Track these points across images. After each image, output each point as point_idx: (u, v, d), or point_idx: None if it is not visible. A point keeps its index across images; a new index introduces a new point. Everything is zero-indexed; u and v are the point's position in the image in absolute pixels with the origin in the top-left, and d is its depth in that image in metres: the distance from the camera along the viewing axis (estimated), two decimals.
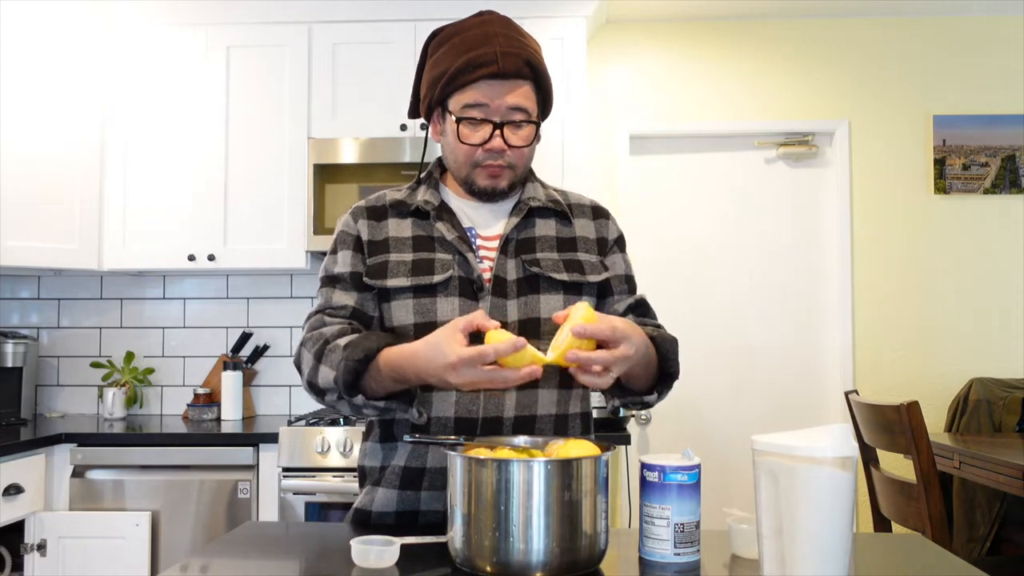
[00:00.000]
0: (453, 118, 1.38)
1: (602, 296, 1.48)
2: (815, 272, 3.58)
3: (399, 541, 1.16)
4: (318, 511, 2.73)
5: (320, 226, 3.03)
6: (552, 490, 1.06)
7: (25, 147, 3.01)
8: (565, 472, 1.07)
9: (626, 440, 2.79)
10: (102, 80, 3.22)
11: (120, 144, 3.20)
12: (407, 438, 1.28)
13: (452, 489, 1.11)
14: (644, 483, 1.17)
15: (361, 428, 2.76)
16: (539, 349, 1.19)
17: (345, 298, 1.40)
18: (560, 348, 1.14)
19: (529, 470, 1.06)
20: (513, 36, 1.38)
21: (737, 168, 3.61)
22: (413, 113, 1.53)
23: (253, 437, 2.80)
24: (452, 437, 1.21)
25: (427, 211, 1.43)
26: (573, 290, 1.42)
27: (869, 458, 2.71)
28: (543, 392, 1.39)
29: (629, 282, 1.52)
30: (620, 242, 1.53)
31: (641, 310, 1.48)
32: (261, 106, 3.19)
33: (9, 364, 3.21)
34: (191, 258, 3.13)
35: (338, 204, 3.03)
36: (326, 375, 1.28)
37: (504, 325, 1.29)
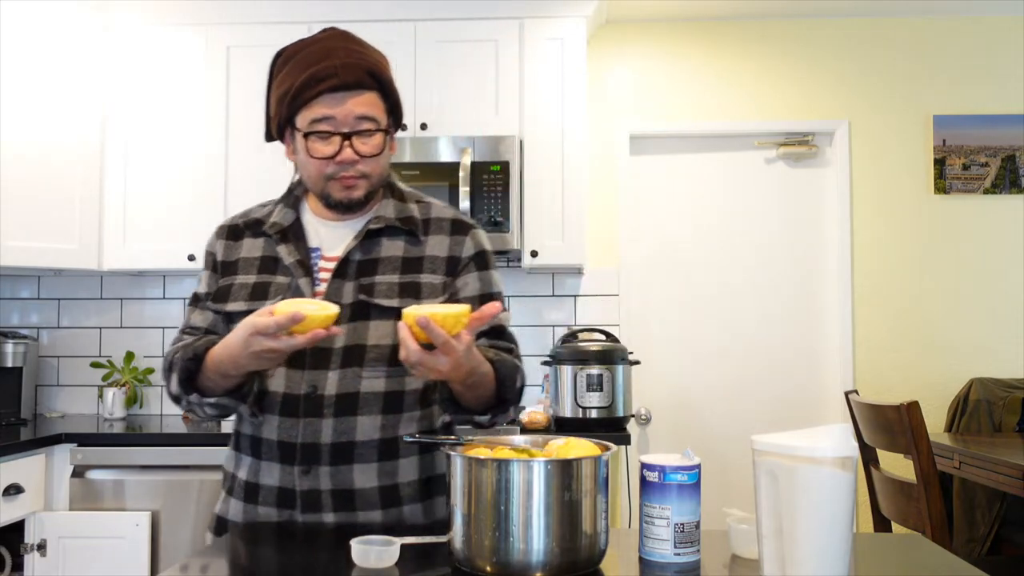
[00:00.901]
0: (302, 135, 1.40)
1: None
2: (815, 272, 3.58)
3: (399, 541, 1.16)
4: None
5: None
6: (552, 490, 1.06)
7: (25, 147, 3.01)
8: (565, 472, 1.07)
9: (626, 440, 2.79)
10: (102, 80, 3.22)
11: (120, 144, 3.20)
12: (407, 438, 1.29)
13: (452, 489, 1.11)
14: (644, 483, 1.17)
15: None
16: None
17: (200, 319, 1.47)
18: (416, 314, 1.15)
19: (529, 470, 1.06)
20: (353, 48, 1.40)
21: (737, 168, 3.61)
22: (268, 136, 1.51)
23: None
24: (452, 437, 1.21)
25: (270, 233, 1.46)
26: None
27: (869, 458, 2.71)
28: (363, 419, 1.38)
29: (485, 302, 1.42)
30: (479, 259, 1.49)
31: (495, 334, 1.44)
32: (261, 106, 3.18)
33: (9, 364, 3.21)
34: (191, 258, 3.13)
35: None
36: (173, 381, 1.38)
37: (330, 352, 1.37)
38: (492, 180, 3.00)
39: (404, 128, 3.10)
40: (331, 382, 1.37)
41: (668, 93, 3.58)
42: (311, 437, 1.37)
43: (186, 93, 3.20)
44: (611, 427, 2.90)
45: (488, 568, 1.07)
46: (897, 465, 3.06)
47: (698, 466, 1.17)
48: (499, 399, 1.36)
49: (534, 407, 2.94)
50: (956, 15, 3.54)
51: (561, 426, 2.93)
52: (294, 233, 1.46)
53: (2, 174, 2.97)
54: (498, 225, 2.99)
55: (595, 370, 2.92)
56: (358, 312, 1.40)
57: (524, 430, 2.82)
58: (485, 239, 1.53)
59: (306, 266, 1.43)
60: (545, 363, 3.07)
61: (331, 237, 1.46)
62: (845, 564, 0.94)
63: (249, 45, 3.19)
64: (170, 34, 3.21)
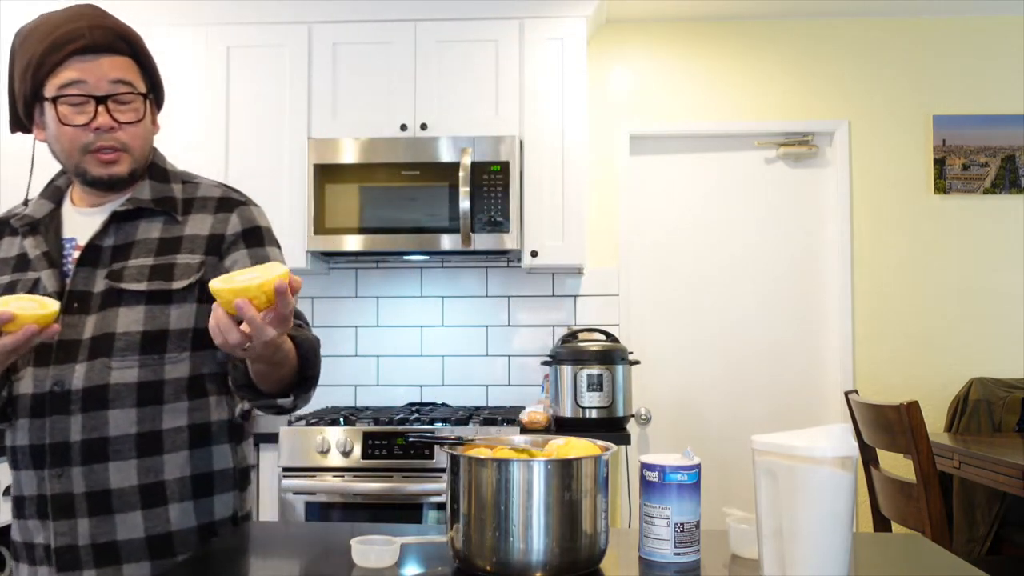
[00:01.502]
0: (51, 103, 1.28)
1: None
2: (815, 272, 3.58)
3: (399, 540, 1.16)
4: (318, 511, 2.73)
5: (320, 226, 3.03)
6: (552, 490, 1.06)
7: (25, 148, 3.00)
8: (565, 472, 1.07)
9: (626, 440, 2.79)
10: None
11: None
12: (411, 437, 1.29)
13: (452, 489, 1.11)
14: (644, 483, 1.17)
15: (362, 428, 2.76)
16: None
17: None
18: (239, 285, 1.05)
19: (529, 470, 1.06)
20: (101, 13, 1.32)
21: (737, 168, 3.61)
22: (14, 126, 1.38)
23: (253, 437, 2.80)
24: (452, 436, 1.21)
25: (17, 227, 1.37)
26: (158, 300, 1.31)
27: (869, 458, 2.71)
28: (115, 413, 1.28)
29: None
30: (250, 236, 1.39)
31: None
32: (261, 106, 3.19)
33: None
34: None
35: (339, 204, 3.03)
36: None
37: (78, 344, 1.28)
38: (492, 180, 3.00)
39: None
40: (78, 376, 1.27)
41: (668, 93, 3.58)
42: (60, 436, 1.28)
43: (186, 93, 3.20)
44: (611, 427, 2.90)
45: (488, 568, 1.07)
46: (897, 465, 3.06)
47: (698, 466, 1.17)
48: (302, 376, 1.28)
49: (534, 407, 2.95)
50: (956, 15, 3.54)
51: (561, 426, 2.93)
52: (46, 225, 1.36)
53: (2, 175, 2.97)
54: (498, 225, 2.99)
55: (595, 370, 2.92)
56: (108, 300, 1.30)
57: (524, 430, 2.82)
58: (260, 215, 1.43)
59: (51, 258, 1.33)
60: (545, 363, 3.07)
61: (86, 224, 1.36)
62: (845, 564, 0.94)
63: (249, 45, 3.19)
64: (170, 34, 3.21)
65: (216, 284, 1.05)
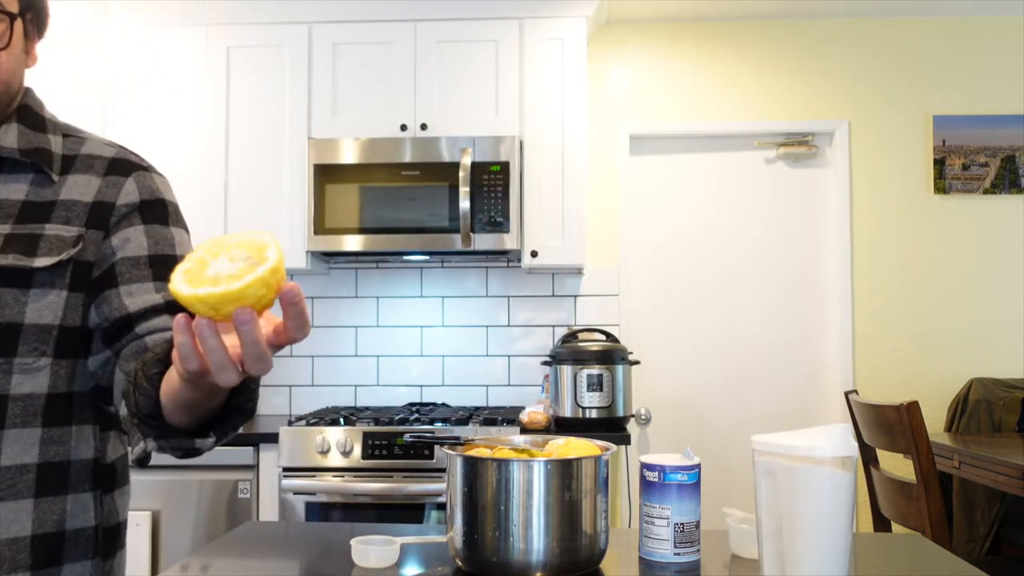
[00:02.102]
0: None
1: (103, 287, 1.02)
2: (815, 272, 3.58)
3: (399, 540, 1.16)
4: (318, 511, 2.73)
5: (320, 226, 3.03)
6: (552, 490, 1.06)
7: None
8: (565, 472, 1.07)
9: (626, 440, 2.79)
10: (101, 80, 3.22)
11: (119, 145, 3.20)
12: (408, 437, 1.29)
13: (452, 489, 1.11)
14: (644, 483, 1.17)
15: (362, 428, 2.76)
16: None
17: None
18: (232, 289, 0.66)
19: (529, 470, 1.06)
20: None
21: (737, 168, 3.61)
22: None
23: (253, 437, 2.80)
24: (452, 436, 1.21)
25: None
26: (11, 282, 0.98)
27: (869, 458, 2.71)
28: (9, 433, 0.96)
29: (157, 267, 1.04)
30: (150, 210, 1.08)
31: (176, 311, 0.91)
32: (261, 106, 3.19)
33: None
34: None
35: (338, 204, 3.03)
36: None
37: None
38: (492, 180, 3.00)
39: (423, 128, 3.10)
40: None
41: (668, 93, 3.58)
42: None
43: (186, 93, 3.20)
44: (611, 427, 2.90)
45: (488, 568, 1.07)
46: (897, 465, 3.06)
47: (698, 466, 1.17)
48: (232, 407, 0.87)
49: (534, 407, 2.95)
50: (956, 15, 3.54)
51: (561, 426, 2.93)
52: None
53: None
54: (498, 225, 3.00)
55: (595, 370, 2.92)
56: None
57: (524, 430, 2.82)
58: (164, 186, 1.12)
59: None
60: (545, 363, 3.07)
61: None
62: (845, 564, 0.94)
63: (249, 45, 3.19)
64: (170, 34, 3.21)
65: (185, 288, 0.66)
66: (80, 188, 1.06)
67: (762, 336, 3.56)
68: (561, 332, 3.45)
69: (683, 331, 3.57)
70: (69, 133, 1.13)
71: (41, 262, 0.98)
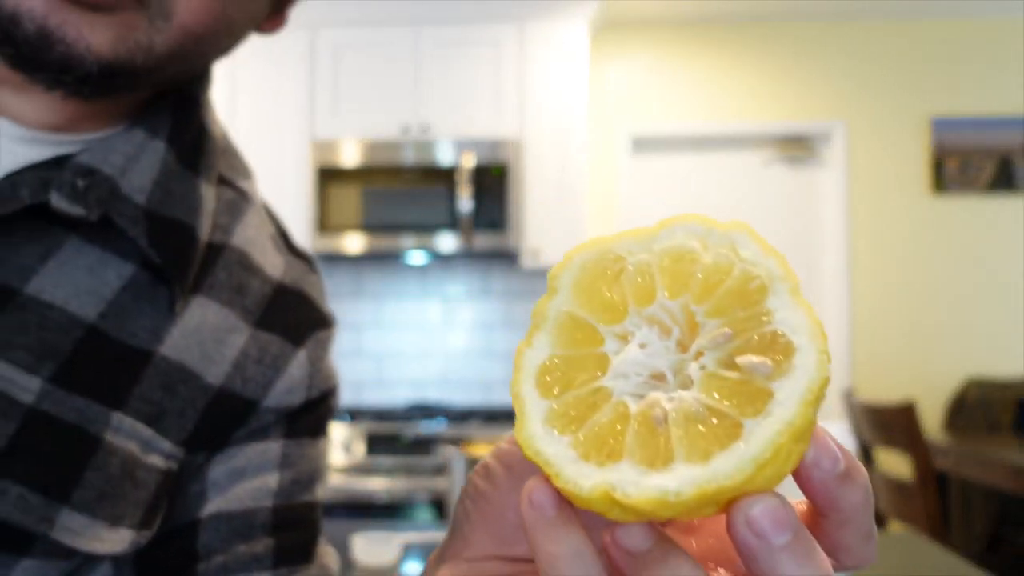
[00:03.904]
0: None
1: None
2: (813, 272, 3.59)
3: (400, 538, 1.17)
4: None
5: (323, 227, 3.04)
6: None
7: None
8: None
9: None
10: None
11: None
12: (412, 437, 1.29)
13: (453, 487, 1.13)
14: None
15: (363, 427, 2.77)
16: None
17: None
18: (720, 484, 0.25)
19: None
20: None
21: (736, 170, 3.62)
22: None
23: None
24: (453, 436, 1.22)
25: None
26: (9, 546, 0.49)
27: (866, 457, 2.73)
28: None
29: (284, 535, 0.56)
30: (307, 415, 0.59)
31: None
32: (264, 109, 3.20)
33: None
34: None
35: (340, 206, 3.04)
36: None
37: None
38: (493, 182, 3.02)
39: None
40: None
41: (667, 95, 3.59)
42: None
43: None
44: None
45: None
46: (894, 464, 3.08)
47: None
48: None
49: None
50: (954, 17, 3.56)
51: None
52: None
53: None
54: (499, 226, 3.01)
55: None
56: None
57: None
58: (332, 344, 0.63)
59: None
60: None
61: None
62: None
63: (252, 49, 3.20)
64: None
65: (596, 475, 0.26)
66: (207, 343, 0.52)
67: None
68: None
69: None
70: (226, 177, 0.62)
71: (86, 543, 0.47)
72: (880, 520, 2.70)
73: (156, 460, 0.49)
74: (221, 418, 0.52)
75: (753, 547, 0.24)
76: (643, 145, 3.62)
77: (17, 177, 0.46)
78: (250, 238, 0.57)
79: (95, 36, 0.44)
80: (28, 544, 0.45)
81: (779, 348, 0.26)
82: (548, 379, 0.28)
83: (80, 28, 0.44)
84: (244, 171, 0.65)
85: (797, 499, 0.28)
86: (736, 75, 3.58)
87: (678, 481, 0.24)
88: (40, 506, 0.45)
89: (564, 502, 0.26)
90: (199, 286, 0.52)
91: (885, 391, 3.48)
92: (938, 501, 2.33)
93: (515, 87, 3.15)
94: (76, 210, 0.47)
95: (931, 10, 3.51)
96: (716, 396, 0.25)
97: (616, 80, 3.59)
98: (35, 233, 0.47)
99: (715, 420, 0.25)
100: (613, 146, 3.57)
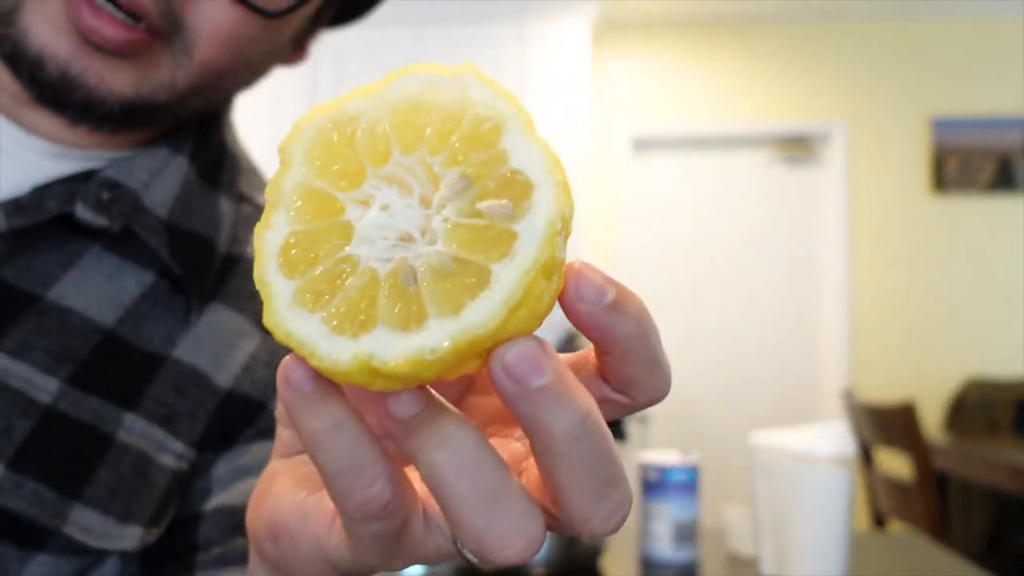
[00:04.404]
0: None
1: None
2: (813, 272, 3.59)
3: None
4: None
5: None
6: None
7: None
8: None
9: (625, 439, 2.80)
10: None
11: None
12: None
13: None
14: (644, 482, 1.18)
15: None
16: None
17: None
18: (484, 333, 0.24)
19: None
20: None
21: (736, 170, 3.62)
22: None
23: None
24: None
25: None
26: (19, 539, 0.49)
27: (867, 457, 2.73)
28: None
29: None
30: None
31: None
32: (264, 110, 3.20)
33: None
34: None
35: None
36: None
37: None
38: None
39: None
40: None
41: (668, 95, 3.59)
42: None
43: None
44: (610, 427, 2.91)
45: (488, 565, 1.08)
46: (894, 464, 3.08)
47: (697, 465, 1.18)
48: None
49: None
50: (954, 17, 3.56)
51: None
52: None
53: None
54: None
55: None
56: None
57: None
58: None
59: None
60: None
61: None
62: (843, 562, 0.96)
63: None
64: None
65: (326, 330, 0.25)
66: (218, 347, 0.53)
67: (760, 335, 3.58)
68: (561, 333, 3.46)
69: (682, 330, 3.58)
70: (246, 194, 0.61)
71: (97, 540, 0.48)
72: (880, 520, 2.70)
73: (167, 460, 0.51)
74: (230, 419, 0.53)
75: (512, 392, 0.24)
76: (644, 145, 3.62)
77: (44, 190, 0.49)
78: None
79: (117, 80, 0.47)
80: (42, 539, 0.47)
81: (517, 187, 0.25)
82: (291, 257, 0.26)
83: (102, 73, 0.46)
84: (263, 187, 0.63)
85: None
86: (736, 75, 3.58)
87: (432, 338, 0.23)
88: (53, 501, 0.46)
89: (320, 376, 0.25)
90: (213, 293, 0.54)
91: (885, 391, 3.48)
92: (938, 501, 2.33)
93: (515, 87, 3.14)
94: (100, 221, 0.49)
95: (931, 10, 3.51)
96: (461, 246, 0.24)
97: (617, 80, 3.59)
98: (60, 243, 0.50)
99: (463, 270, 0.24)
100: (614, 146, 3.57)
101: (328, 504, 0.28)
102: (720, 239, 3.60)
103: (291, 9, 0.51)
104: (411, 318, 0.24)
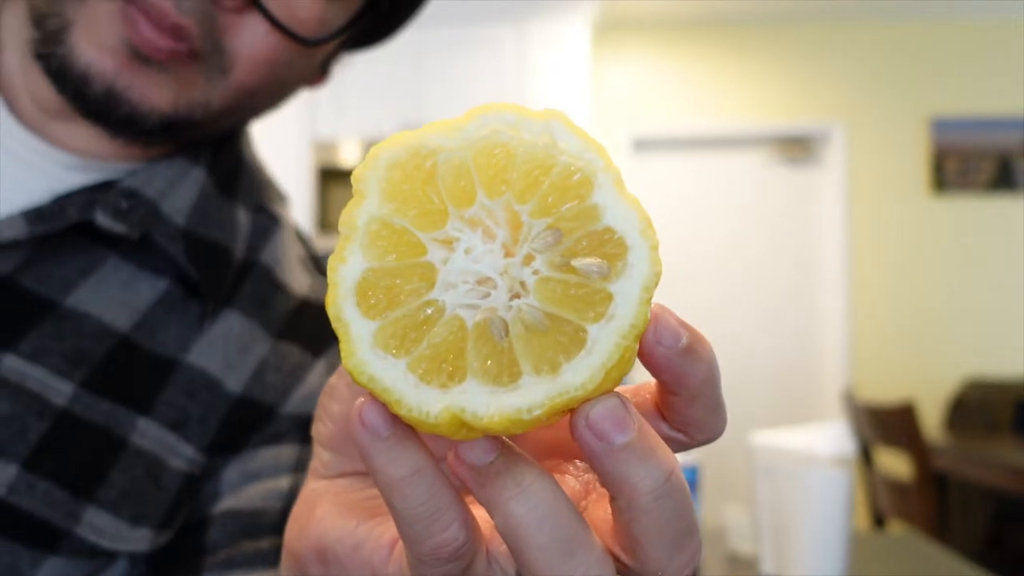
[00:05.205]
0: None
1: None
2: (813, 272, 3.60)
3: None
4: None
5: (324, 227, 3.05)
6: None
7: None
8: None
9: None
10: None
11: None
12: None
13: None
14: None
15: None
16: None
17: None
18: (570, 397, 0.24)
19: None
20: None
21: (736, 170, 3.63)
22: None
23: None
24: None
25: None
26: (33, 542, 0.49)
27: (866, 457, 2.73)
28: None
29: None
30: None
31: None
32: None
33: None
34: None
35: (342, 205, 3.04)
36: None
37: None
38: None
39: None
40: None
41: (668, 96, 3.60)
42: None
43: None
44: None
45: None
46: (894, 464, 3.08)
47: (697, 465, 1.19)
48: None
49: None
50: (954, 17, 3.56)
51: None
52: None
53: None
54: None
55: None
56: None
57: None
58: None
59: None
60: None
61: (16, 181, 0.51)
62: (842, 562, 0.96)
63: None
64: None
65: (416, 393, 0.25)
66: (230, 352, 0.54)
67: (760, 335, 3.58)
68: None
69: None
70: (262, 204, 0.64)
71: (109, 541, 0.49)
72: (880, 520, 2.71)
73: (179, 464, 0.51)
74: (241, 423, 0.54)
75: (596, 449, 0.24)
76: (644, 146, 3.63)
77: (65, 199, 0.50)
78: (277, 257, 0.60)
79: (158, 96, 0.49)
80: (55, 541, 0.47)
81: (611, 246, 0.25)
82: (370, 296, 0.25)
83: (145, 90, 0.48)
84: (279, 198, 0.69)
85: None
86: (736, 76, 3.59)
87: (529, 397, 0.23)
88: (66, 502, 0.47)
89: (398, 420, 0.25)
90: (227, 299, 0.55)
91: (885, 391, 3.48)
92: (937, 501, 2.34)
93: (515, 87, 3.15)
94: (119, 228, 0.50)
95: (931, 10, 3.51)
96: (554, 302, 0.24)
97: (617, 81, 3.60)
98: (78, 250, 0.51)
99: (557, 328, 0.24)
100: (614, 147, 3.57)
101: (383, 536, 0.28)
102: (720, 239, 3.61)
103: (331, 38, 0.53)
104: (503, 373, 0.24)
